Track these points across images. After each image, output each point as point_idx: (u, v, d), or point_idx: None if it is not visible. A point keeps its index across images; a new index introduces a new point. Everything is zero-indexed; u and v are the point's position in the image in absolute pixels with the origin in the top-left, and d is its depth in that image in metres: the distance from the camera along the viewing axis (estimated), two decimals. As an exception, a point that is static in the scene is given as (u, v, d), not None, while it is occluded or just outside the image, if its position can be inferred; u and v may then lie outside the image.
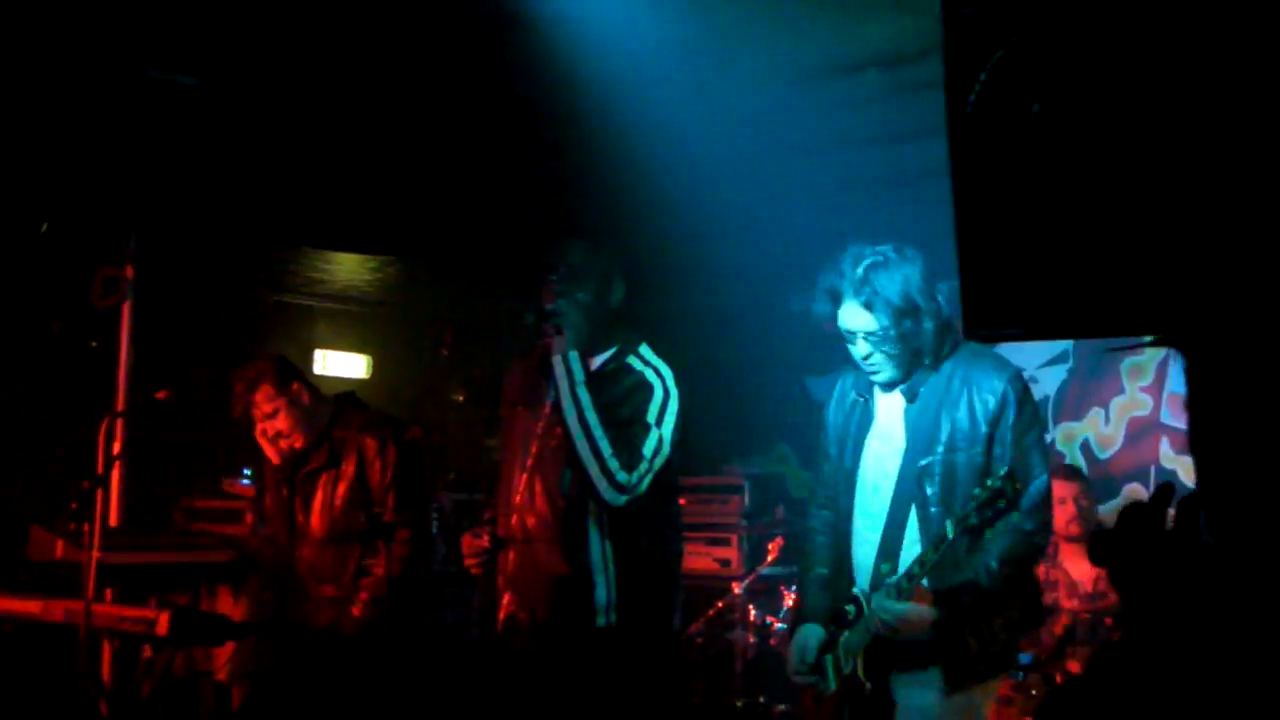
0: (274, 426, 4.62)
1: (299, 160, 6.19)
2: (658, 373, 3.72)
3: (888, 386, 3.46)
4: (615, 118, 5.70)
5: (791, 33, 5.12)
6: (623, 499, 3.56)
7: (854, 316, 3.35)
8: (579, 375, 3.60)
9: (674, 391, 3.69)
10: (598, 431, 3.55)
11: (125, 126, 5.51)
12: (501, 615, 3.78)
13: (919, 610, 3.24)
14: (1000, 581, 3.25)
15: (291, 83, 5.52)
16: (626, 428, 3.60)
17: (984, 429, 3.28)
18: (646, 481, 3.59)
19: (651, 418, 3.63)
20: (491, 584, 3.82)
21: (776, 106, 5.75)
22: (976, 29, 1.77)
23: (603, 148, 5.99)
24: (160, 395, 4.50)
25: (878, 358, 3.37)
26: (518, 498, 3.75)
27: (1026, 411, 3.31)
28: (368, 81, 5.53)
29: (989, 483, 3.11)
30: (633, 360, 3.76)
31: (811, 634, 3.49)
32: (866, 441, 3.48)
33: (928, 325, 3.31)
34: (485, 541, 3.81)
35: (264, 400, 4.60)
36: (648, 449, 3.59)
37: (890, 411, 3.45)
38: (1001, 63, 1.75)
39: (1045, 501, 3.34)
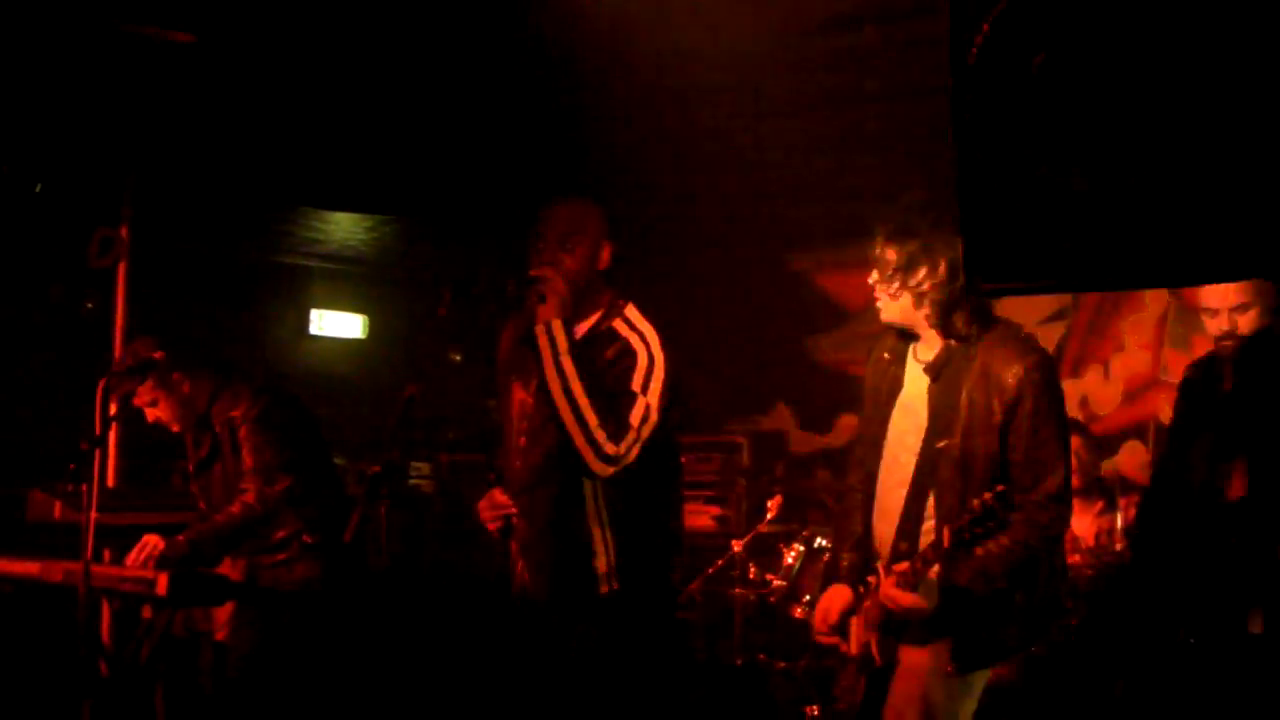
0: (153, 414, 4.67)
1: (296, 119, 6.15)
2: (643, 338, 3.60)
3: (915, 356, 3.45)
4: (611, 77, 5.67)
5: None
6: (610, 470, 3.48)
7: (879, 247, 3.40)
8: (563, 345, 3.49)
9: (659, 357, 3.57)
10: (583, 402, 3.45)
11: (120, 86, 5.47)
12: (516, 578, 3.72)
13: (923, 602, 3.26)
14: (1000, 586, 3.24)
15: (288, 40, 5.48)
16: (613, 398, 3.50)
17: (1000, 417, 3.23)
18: (635, 451, 3.49)
19: (637, 385, 3.52)
20: (507, 545, 3.74)
21: (774, 63, 5.71)
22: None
23: (600, 107, 5.96)
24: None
25: (880, 292, 3.40)
26: (516, 463, 3.69)
27: (1046, 400, 3.24)
28: (364, 39, 5.49)
29: (986, 498, 3.08)
30: (618, 325, 3.64)
31: (838, 596, 3.53)
32: (894, 410, 3.48)
33: (936, 292, 3.31)
34: (502, 499, 3.70)
35: (144, 391, 4.57)
36: (635, 418, 3.49)
37: (916, 384, 3.44)
38: (1004, 15, 1.73)
39: (1063, 493, 3.26)
